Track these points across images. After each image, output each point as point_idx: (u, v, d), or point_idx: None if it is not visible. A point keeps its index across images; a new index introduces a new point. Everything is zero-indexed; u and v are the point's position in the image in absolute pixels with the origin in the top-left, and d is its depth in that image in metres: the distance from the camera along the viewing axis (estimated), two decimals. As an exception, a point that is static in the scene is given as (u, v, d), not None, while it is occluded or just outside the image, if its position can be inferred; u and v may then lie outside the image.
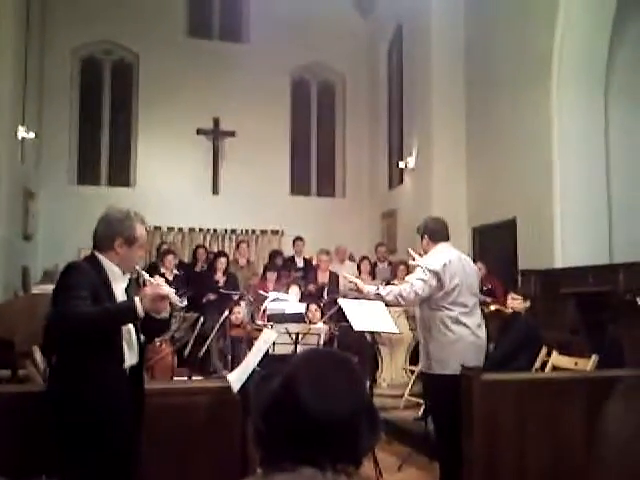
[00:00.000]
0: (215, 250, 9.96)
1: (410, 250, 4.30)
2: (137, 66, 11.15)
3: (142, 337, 2.68)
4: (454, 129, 9.31)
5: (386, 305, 4.63)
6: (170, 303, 2.59)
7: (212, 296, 7.49)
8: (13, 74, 8.42)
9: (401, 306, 5.47)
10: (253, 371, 3.01)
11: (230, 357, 6.20)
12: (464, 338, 3.78)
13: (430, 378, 3.90)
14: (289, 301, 6.76)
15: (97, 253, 2.61)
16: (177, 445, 3.02)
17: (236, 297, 7.47)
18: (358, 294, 4.17)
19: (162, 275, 7.03)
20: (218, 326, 5.61)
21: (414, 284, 3.77)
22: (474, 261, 7.56)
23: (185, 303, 2.69)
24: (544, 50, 7.44)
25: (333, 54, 11.78)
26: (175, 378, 5.42)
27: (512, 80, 8.07)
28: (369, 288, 4.05)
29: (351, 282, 4.19)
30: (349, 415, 1.05)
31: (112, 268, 2.59)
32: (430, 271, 3.77)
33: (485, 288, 7.27)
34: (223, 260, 7.90)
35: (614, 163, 7.41)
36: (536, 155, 7.54)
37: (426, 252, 4.01)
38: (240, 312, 6.59)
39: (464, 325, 3.79)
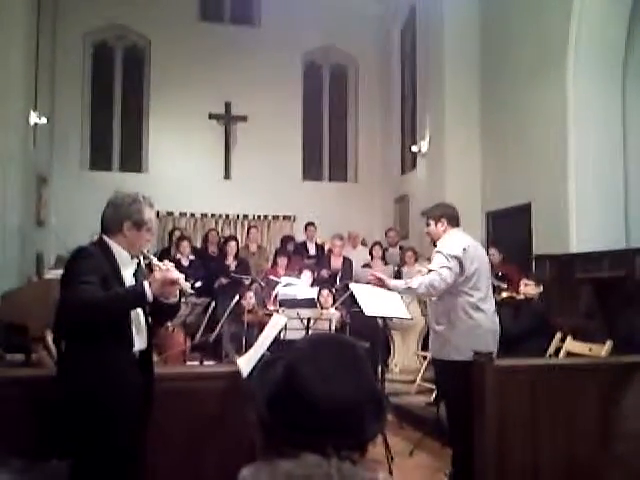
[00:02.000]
0: (227, 235, 9.97)
1: (422, 268, 4.23)
2: (149, 51, 11.12)
3: (150, 321, 2.67)
4: (468, 113, 9.18)
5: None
6: (180, 289, 2.58)
7: (224, 280, 7.51)
8: (24, 59, 8.42)
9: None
10: (262, 356, 3.01)
11: (244, 342, 6.21)
12: (483, 324, 3.77)
13: (447, 365, 3.84)
14: (300, 285, 6.74)
15: (105, 237, 2.60)
16: (188, 429, 3.03)
17: (247, 281, 7.48)
18: (382, 288, 4.06)
19: (177, 261, 7.05)
20: (229, 311, 5.62)
21: (442, 273, 3.73)
22: (488, 247, 7.53)
23: (192, 291, 2.67)
24: (561, 31, 7.28)
25: (345, 37, 11.65)
26: (188, 363, 5.44)
27: (528, 62, 7.93)
28: (396, 282, 4.03)
29: (375, 278, 4.07)
30: (352, 401, 1.03)
31: (121, 252, 2.59)
32: (453, 257, 3.75)
33: (500, 274, 7.21)
34: (233, 244, 7.91)
35: (631, 147, 7.27)
36: (551, 139, 7.42)
37: (437, 237, 3.99)
38: (252, 297, 6.59)
39: (482, 311, 3.79)
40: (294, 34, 11.21)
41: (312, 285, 6.95)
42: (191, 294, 2.74)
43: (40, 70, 9.20)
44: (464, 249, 3.77)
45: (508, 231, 8.47)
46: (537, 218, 7.78)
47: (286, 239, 9.29)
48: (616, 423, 0.80)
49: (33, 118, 8.78)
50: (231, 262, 7.75)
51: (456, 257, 3.73)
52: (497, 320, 3.93)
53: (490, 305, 3.87)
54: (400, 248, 8.91)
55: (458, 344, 3.74)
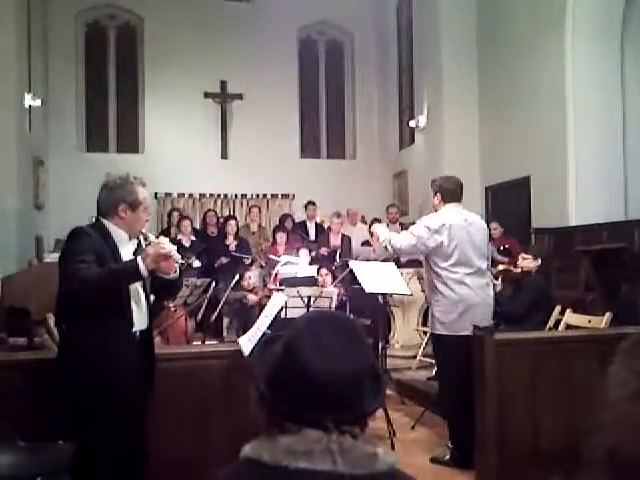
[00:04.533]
0: (226, 215, 9.98)
1: None
2: (142, 30, 10.98)
3: (152, 298, 2.68)
4: (466, 86, 9.10)
5: (397, 265, 4.64)
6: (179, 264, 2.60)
7: (225, 259, 7.52)
8: (17, 41, 8.32)
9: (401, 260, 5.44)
10: (263, 334, 3.02)
11: (243, 321, 6.24)
12: (467, 299, 3.82)
13: (436, 338, 3.99)
14: (299, 264, 6.76)
15: (102, 219, 2.60)
16: (190, 409, 3.05)
17: (248, 261, 7.49)
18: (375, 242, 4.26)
19: (179, 241, 7.06)
20: (228, 290, 5.63)
21: (406, 237, 3.90)
22: (488, 221, 7.49)
23: (182, 261, 2.69)
24: (559, 0, 7.19)
25: (341, 11, 11.50)
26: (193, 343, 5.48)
27: (525, 33, 7.84)
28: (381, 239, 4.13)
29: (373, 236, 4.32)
30: (352, 376, 1.03)
31: (118, 233, 2.59)
32: (426, 227, 3.84)
33: (501, 248, 7.22)
34: (233, 223, 7.92)
35: (630, 118, 7.22)
36: (550, 111, 7.37)
37: (436, 210, 4.05)
38: (252, 277, 6.61)
39: (467, 286, 3.83)
40: (288, 9, 11.05)
41: (310, 263, 6.97)
42: (182, 264, 2.75)
43: (33, 51, 9.10)
44: (442, 225, 3.82)
45: (507, 205, 8.46)
46: (536, 191, 7.77)
47: (284, 217, 9.29)
48: (602, 392, 0.82)
49: (28, 100, 8.71)
50: (231, 242, 7.76)
51: (429, 229, 3.81)
52: (490, 293, 3.98)
53: (481, 280, 3.90)
54: (400, 224, 8.90)
55: (442, 318, 3.85)
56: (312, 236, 8.70)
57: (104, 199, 2.60)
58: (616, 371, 0.84)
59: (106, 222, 2.59)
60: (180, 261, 2.60)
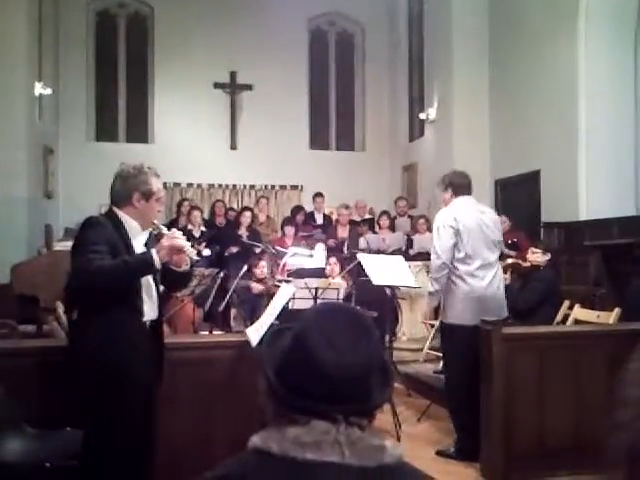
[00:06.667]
0: (234, 206, 10.01)
1: None
2: (152, 19, 10.97)
3: (162, 289, 2.69)
4: (477, 79, 9.04)
5: (406, 258, 4.62)
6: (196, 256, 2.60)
7: (234, 249, 7.52)
8: (28, 30, 8.34)
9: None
10: (271, 325, 3.03)
11: (251, 311, 6.26)
12: (478, 290, 3.84)
13: (446, 327, 4.00)
14: (315, 259, 6.76)
15: (115, 209, 2.60)
16: (197, 398, 3.07)
17: (259, 250, 7.49)
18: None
19: (189, 232, 7.06)
20: (237, 280, 5.64)
21: (432, 259, 3.91)
22: (497, 214, 7.43)
23: (197, 258, 2.69)
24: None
25: (351, 2, 11.42)
26: (200, 333, 5.49)
27: (538, 25, 7.77)
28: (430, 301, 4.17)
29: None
30: (360, 368, 1.03)
31: (131, 223, 2.59)
32: (444, 227, 3.84)
33: (510, 242, 7.18)
34: (248, 214, 7.94)
35: (643, 113, 7.15)
36: (561, 105, 7.31)
37: (445, 205, 4.04)
38: (264, 266, 6.62)
39: (478, 277, 3.85)
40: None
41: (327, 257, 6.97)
42: (197, 261, 2.75)
43: (43, 40, 9.12)
44: (455, 219, 3.84)
45: (517, 198, 8.41)
46: (546, 185, 7.72)
47: (297, 209, 9.25)
48: (618, 390, 0.80)
49: (38, 89, 8.73)
50: (243, 232, 7.78)
51: (447, 226, 3.83)
52: (499, 288, 3.97)
53: (493, 273, 3.92)
54: (409, 217, 8.88)
55: (454, 308, 3.87)
56: (318, 228, 8.71)
57: (118, 188, 2.61)
58: (636, 369, 0.82)
59: (119, 212, 2.59)
60: (194, 257, 2.61)
